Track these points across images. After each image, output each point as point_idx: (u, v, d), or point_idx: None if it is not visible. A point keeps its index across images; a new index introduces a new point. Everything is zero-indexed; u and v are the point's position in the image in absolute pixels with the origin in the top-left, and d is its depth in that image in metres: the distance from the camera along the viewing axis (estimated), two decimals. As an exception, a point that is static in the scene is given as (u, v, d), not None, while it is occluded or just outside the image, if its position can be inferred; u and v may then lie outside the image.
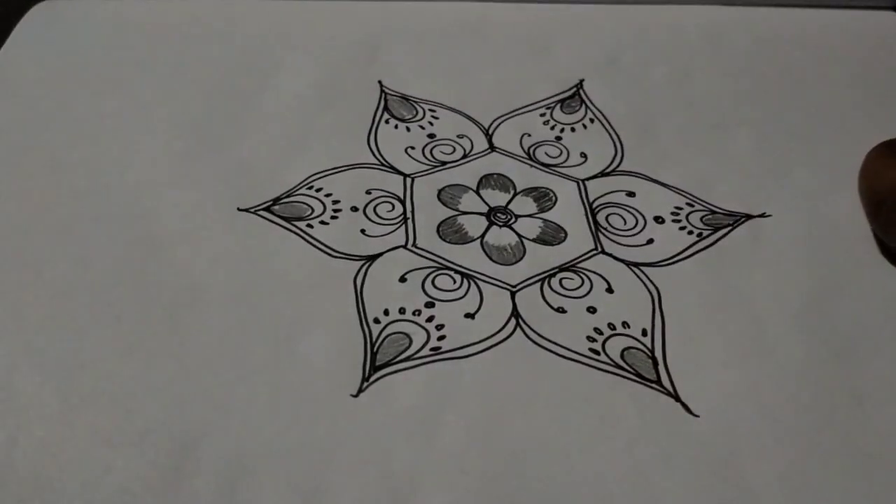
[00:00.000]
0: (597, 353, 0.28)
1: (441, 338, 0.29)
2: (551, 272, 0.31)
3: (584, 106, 0.39)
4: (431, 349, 0.28)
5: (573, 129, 0.38)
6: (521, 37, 0.43)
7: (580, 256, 0.32)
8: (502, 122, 0.38)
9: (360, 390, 0.27)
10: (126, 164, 0.35)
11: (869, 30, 0.45)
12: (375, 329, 0.29)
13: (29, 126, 0.37)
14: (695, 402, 0.27)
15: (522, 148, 0.37)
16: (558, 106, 0.39)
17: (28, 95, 0.38)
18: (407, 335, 0.29)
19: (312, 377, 0.27)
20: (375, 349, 0.28)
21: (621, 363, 0.28)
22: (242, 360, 0.28)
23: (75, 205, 0.33)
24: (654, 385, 0.28)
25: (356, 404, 0.27)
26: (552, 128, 0.38)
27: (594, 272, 0.31)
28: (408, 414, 0.26)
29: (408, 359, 0.28)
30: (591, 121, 0.38)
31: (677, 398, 0.27)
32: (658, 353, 0.28)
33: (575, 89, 0.40)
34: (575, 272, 0.31)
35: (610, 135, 0.38)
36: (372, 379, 0.27)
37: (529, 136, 0.37)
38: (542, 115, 0.39)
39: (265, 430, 0.26)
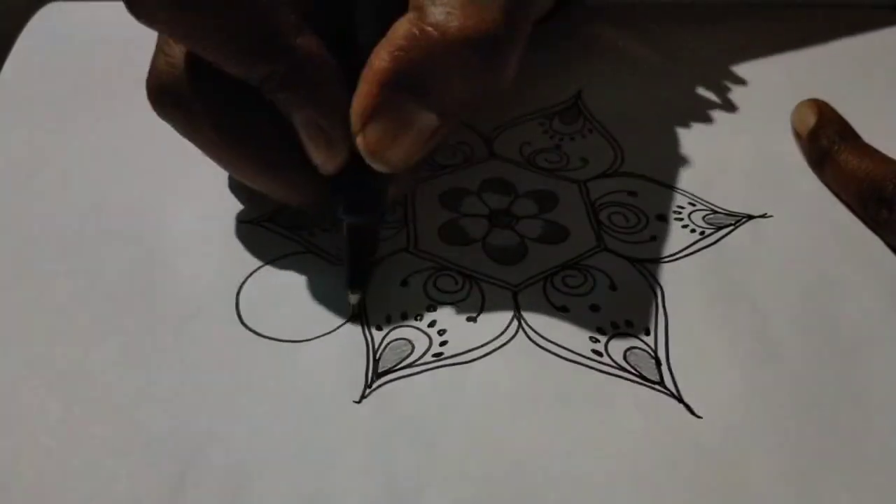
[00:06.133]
0: (599, 354, 0.28)
1: (443, 343, 0.28)
2: (554, 270, 0.31)
3: (582, 117, 0.39)
4: (434, 355, 0.28)
5: (572, 139, 0.38)
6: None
7: (583, 254, 0.32)
8: (502, 131, 0.38)
9: (363, 397, 0.27)
10: (131, 180, 0.35)
11: (869, 30, 0.45)
12: (378, 336, 0.29)
13: (35, 140, 0.37)
14: (697, 403, 0.27)
15: (522, 155, 0.37)
16: (557, 117, 0.39)
17: (36, 107, 0.38)
18: (409, 341, 0.28)
19: (315, 385, 0.27)
20: (378, 356, 0.28)
21: (624, 364, 0.28)
22: (246, 369, 0.28)
23: (80, 219, 0.33)
24: (656, 386, 0.27)
25: (359, 410, 0.26)
26: (551, 137, 0.38)
27: (597, 269, 0.31)
28: (410, 419, 0.26)
29: (410, 365, 0.28)
30: (590, 130, 0.38)
31: (680, 399, 0.27)
32: (661, 354, 0.28)
33: (573, 101, 0.40)
34: (578, 269, 0.31)
35: (609, 141, 0.38)
36: (374, 386, 0.27)
37: (529, 144, 0.38)
38: (542, 124, 0.39)
39: (269, 437, 0.26)
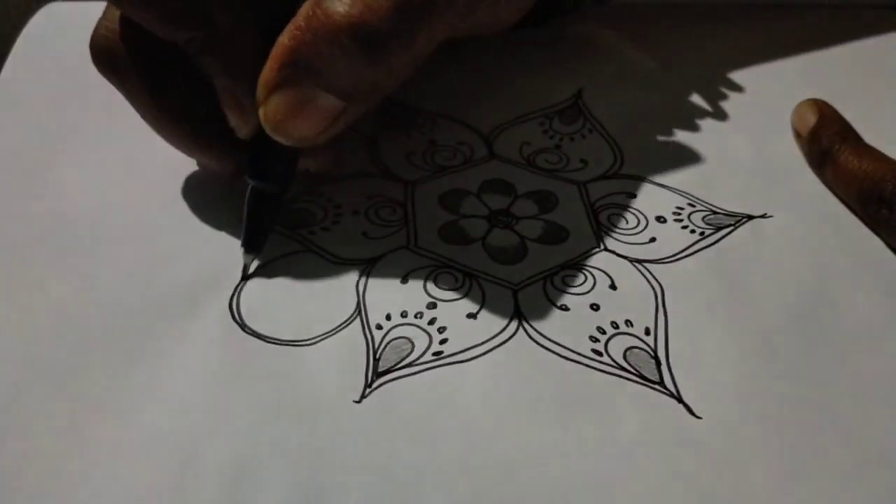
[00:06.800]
0: (599, 353, 0.28)
1: (443, 341, 0.28)
2: (554, 270, 0.31)
3: (582, 116, 0.39)
4: (434, 354, 0.28)
5: (572, 139, 0.38)
6: (520, 48, 0.43)
7: (582, 254, 0.32)
8: (502, 131, 0.38)
9: (363, 396, 0.27)
10: (130, 179, 0.35)
11: (869, 30, 0.45)
12: (378, 335, 0.29)
13: (35, 140, 0.37)
14: (697, 404, 0.27)
15: (522, 156, 0.37)
16: (557, 116, 0.39)
17: (36, 107, 0.38)
18: (409, 340, 0.28)
19: (315, 384, 0.27)
20: (378, 355, 0.28)
21: (624, 364, 0.28)
22: (246, 369, 0.28)
23: (80, 219, 0.33)
24: (656, 386, 0.27)
25: (359, 410, 0.26)
26: (551, 137, 0.38)
27: (597, 268, 0.31)
28: (410, 419, 0.26)
29: (409, 364, 0.28)
30: (590, 131, 0.38)
31: (680, 399, 0.27)
32: (661, 353, 0.28)
33: (573, 100, 0.40)
34: (578, 269, 0.31)
35: (608, 142, 0.38)
36: (375, 385, 0.27)
37: (529, 144, 0.38)
38: (542, 123, 0.39)
39: (269, 436, 0.26)
